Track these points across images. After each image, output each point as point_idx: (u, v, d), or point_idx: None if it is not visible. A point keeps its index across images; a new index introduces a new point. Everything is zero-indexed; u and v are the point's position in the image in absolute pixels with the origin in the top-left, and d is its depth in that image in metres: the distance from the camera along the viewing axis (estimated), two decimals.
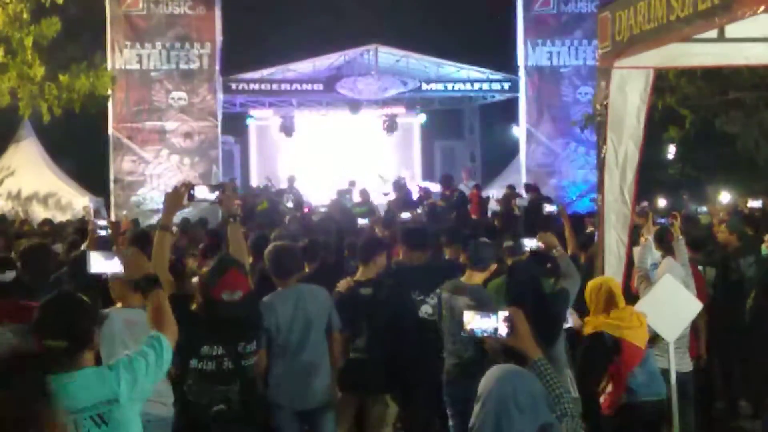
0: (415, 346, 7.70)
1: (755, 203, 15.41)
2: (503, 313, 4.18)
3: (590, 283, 7.21)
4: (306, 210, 18.04)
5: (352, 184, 22.89)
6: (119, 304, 6.64)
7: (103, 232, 12.85)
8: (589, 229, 11.47)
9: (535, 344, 4.24)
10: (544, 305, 6.78)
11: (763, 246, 10.71)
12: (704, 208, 17.79)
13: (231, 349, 5.79)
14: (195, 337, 5.78)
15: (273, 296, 7.43)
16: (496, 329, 4.17)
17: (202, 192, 6.30)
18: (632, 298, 8.25)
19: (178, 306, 5.81)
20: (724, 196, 21.63)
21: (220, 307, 5.74)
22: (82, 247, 11.24)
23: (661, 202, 21.85)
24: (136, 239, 9.19)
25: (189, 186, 6.31)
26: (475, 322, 4.19)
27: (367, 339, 7.83)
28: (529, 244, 8.19)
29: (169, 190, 6.46)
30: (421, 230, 9.34)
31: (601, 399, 6.86)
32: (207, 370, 5.78)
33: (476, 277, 7.62)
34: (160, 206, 21.22)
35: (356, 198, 20.61)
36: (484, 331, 4.18)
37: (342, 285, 8.04)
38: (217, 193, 6.33)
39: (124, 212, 21.60)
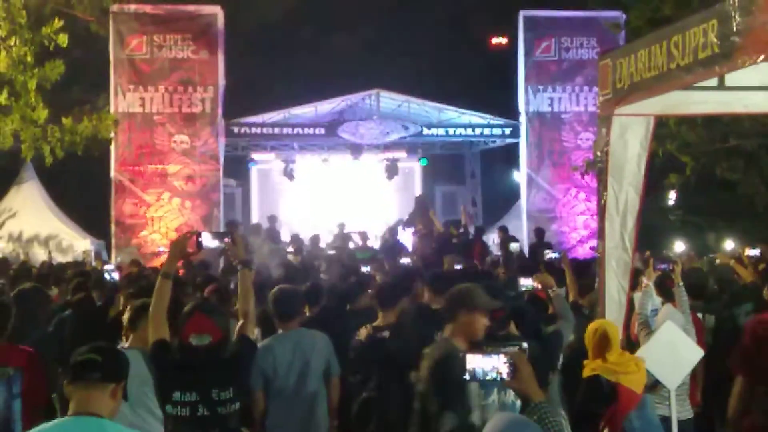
0: None
1: (753, 252, 15.34)
2: (505, 355, 4.16)
3: (589, 327, 7.21)
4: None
5: (341, 226, 22.89)
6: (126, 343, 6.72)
7: (108, 276, 12.91)
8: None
9: (537, 387, 4.23)
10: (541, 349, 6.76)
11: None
12: (713, 256, 17.76)
13: (205, 395, 5.73)
14: (167, 383, 5.81)
15: (272, 339, 7.44)
16: (497, 370, 4.15)
17: (207, 239, 6.28)
18: (632, 345, 8.24)
19: (158, 352, 5.86)
20: (729, 244, 21.61)
21: (189, 351, 5.71)
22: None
23: (679, 247, 21.87)
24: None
25: (197, 234, 6.29)
26: (476, 362, 4.15)
27: (382, 379, 7.80)
28: (525, 283, 8.19)
29: (171, 233, 6.49)
30: (448, 275, 9.33)
31: None
32: (181, 416, 5.74)
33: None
34: (161, 249, 21.47)
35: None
36: (485, 372, 4.15)
37: (362, 333, 8.01)
38: (226, 239, 6.32)
39: (119, 258, 21.58)
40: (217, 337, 5.73)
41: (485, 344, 5.91)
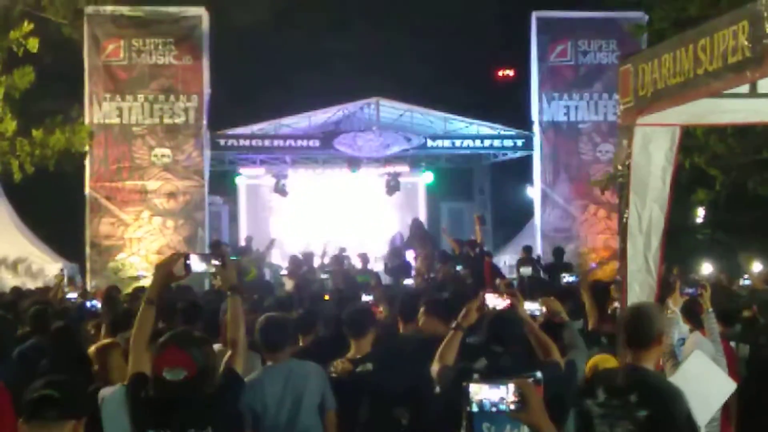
0: (435, 424, 7.54)
1: None
2: (513, 385, 4.15)
3: (588, 362, 7.21)
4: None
5: (342, 249, 22.88)
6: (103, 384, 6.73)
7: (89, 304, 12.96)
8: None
9: (548, 420, 4.22)
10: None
11: None
12: (747, 281, 17.76)
13: None
14: (140, 421, 5.79)
15: (261, 372, 7.42)
16: (505, 402, 4.14)
17: (195, 262, 6.27)
18: None
19: (133, 387, 5.86)
20: (756, 266, 21.58)
21: (163, 386, 5.69)
22: None
23: (707, 269, 21.89)
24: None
25: (185, 256, 6.29)
26: (483, 393, 4.14)
27: (373, 418, 7.79)
28: (531, 308, 8.18)
29: (152, 255, 6.51)
30: (444, 300, 9.34)
31: None
32: None
33: None
34: (140, 273, 21.46)
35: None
36: (493, 404, 4.15)
37: (337, 368, 7.99)
38: (215, 262, 6.32)
39: (94, 283, 21.58)
40: (194, 372, 5.68)
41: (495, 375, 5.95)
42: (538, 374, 6.07)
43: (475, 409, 4.15)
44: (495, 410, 4.14)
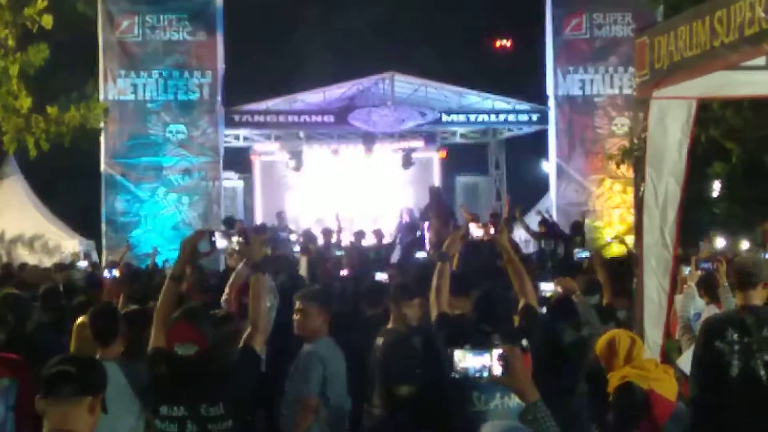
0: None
1: None
2: (497, 351, 4.20)
3: (602, 339, 7.15)
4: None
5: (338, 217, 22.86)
6: None
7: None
8: None
9: (532, 385, 4.28)
10: (561, 355, 6.80)
11: None
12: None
13: (193, 410, 5.72)
14: (154, 395, 5.85)
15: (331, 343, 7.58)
16: (489, 368, 4.17)
17: (220, 239, 6.32)
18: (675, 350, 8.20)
19: (152, 362, 5.91)
20: (719, 242, 21.47)
21: (176, 361, 5.73)
22: None
23: (721, 243, 21.79)
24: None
25: (210, 232, 6.32)
26: (467, 360, 4.18)
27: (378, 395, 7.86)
28: (547, 288, 8.18)
29: (168, 231, 6.55)
30: (464, 275, 9.25)
31: None
32: None
33: None
34: (153, 251, 21.49)
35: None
36: (477, 371, 4.18)
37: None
38: (235, 238, 6.35)
39: (109, 258, 21.62)
40: (204, 347, 5.70)
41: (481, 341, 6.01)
42: (524, 342, 6.15)
43: (456, 375, 4.21)
44: (479, 376, 4.19)
